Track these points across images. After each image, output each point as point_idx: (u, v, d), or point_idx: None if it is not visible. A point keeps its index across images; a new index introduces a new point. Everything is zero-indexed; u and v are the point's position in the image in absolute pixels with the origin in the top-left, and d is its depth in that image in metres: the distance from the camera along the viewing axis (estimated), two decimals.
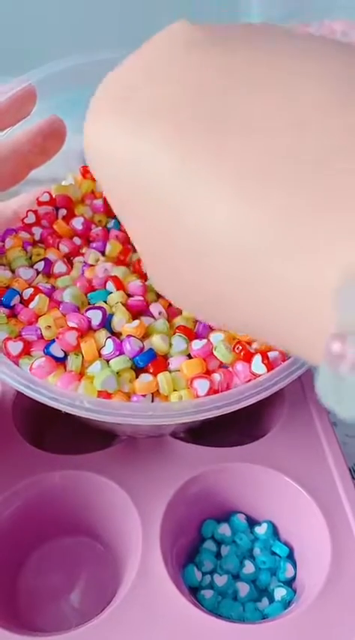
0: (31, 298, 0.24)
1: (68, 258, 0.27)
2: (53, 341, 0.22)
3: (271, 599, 0.28)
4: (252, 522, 0.30)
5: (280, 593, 0.28)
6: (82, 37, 0.59)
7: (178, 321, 0.24)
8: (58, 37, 0.65)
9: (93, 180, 0.31)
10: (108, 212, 0.30)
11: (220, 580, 0.28)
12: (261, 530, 0.30)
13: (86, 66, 0.28)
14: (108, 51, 0.28)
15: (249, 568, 0.29)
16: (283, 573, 0.28)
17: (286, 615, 0.26)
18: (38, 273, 0.26)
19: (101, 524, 0.30)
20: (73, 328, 0.22)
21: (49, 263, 0.27)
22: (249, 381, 0.21)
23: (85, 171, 0.32)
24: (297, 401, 0.32)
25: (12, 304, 0.24)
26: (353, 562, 0.26)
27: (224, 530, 0.30)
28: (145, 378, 0.21)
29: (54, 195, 0.30)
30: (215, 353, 0.22)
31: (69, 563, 0.30)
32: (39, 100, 0.27)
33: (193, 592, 0.28)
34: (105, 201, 0.30)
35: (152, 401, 0.22)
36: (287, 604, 0.27)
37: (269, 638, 0.24)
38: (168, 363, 0.23)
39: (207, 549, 0.30)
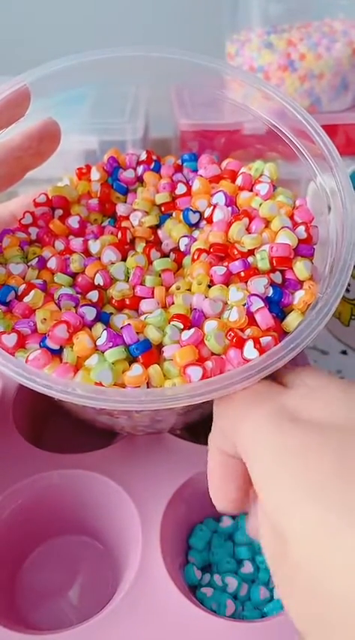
0: (26, 293, 0.24)
1: (64, 255, 0.28)
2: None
3: (271, 598, 0.28)
4: None
5: None
6: (79, 37, 0.60)
7: (174, 309, 0.24)
8: (56, 36, 0.66)
9: (89, 180, 0.32)
10: (104, 211, 0.30)
11: (219, 578, 0.28)
12: None
13: (83, 66, 0.28)
14: (105, 51, 0.28)
15: (248, 567, 0.29)
16: None
17: (285, 614, 0.25)
18: (32, 268, 0.26)
19: (101, 523, 0.30)
20: (62, 322, 0.22)
21: (43, 260, 0.27)
22: None
23: (81, 173, 0.32)
24: None
25: (8, 300, 0.24)
26: None
27: (224, 529, 0.30)
28: (136, 370, 0.21)
29: (50, 197, 0.30)
30: (206, 342, 0.22)
31: (68, 562, 0.30)
32: (36, 100, 0.27)
33: (192, 590, 0.28)
34: (100, 200, 0.30)
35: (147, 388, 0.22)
36: None
37: (268, 636, 0.24)
38: (163, 352, 0.23)
39: (207, 548, 0.30)
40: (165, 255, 0.28)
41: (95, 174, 0.32)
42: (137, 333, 0.23)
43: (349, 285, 0.41)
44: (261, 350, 0.21)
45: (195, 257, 0.26)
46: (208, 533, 0.30)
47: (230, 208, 0.27)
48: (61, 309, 0.24)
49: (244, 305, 0.23)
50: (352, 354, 0.44)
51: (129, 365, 0.22)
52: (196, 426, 0.31)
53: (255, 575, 0.29)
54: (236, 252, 0.25)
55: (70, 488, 0.30)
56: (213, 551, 0.30)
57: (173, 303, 0.24)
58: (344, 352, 0.44)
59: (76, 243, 0.28)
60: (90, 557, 0.30)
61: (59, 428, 0.36)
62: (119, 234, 0.28)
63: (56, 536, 0.31)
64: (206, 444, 0.30)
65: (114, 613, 0.25)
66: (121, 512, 0.29)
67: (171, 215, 0.30)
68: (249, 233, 0.26)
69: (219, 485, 0.23)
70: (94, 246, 0.28)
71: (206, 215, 0.28)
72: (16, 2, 0.71)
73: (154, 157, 0.32)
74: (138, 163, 0.32)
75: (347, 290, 0.42)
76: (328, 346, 0.44)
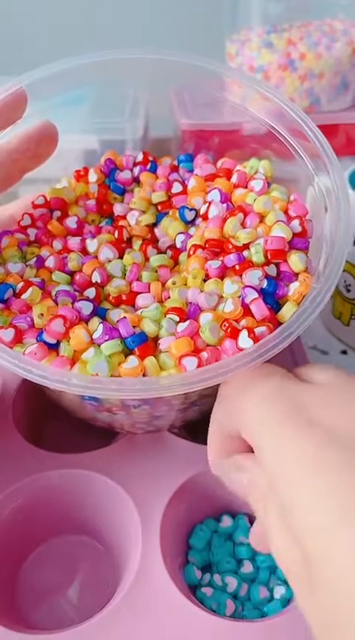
0: (23, 290, 0.24)
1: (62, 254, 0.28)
2: None
3: (270, 598, 0.28)
4: (253, 521, 0.30)
5: (279, 591, 0.27)
6: (79, 38, 0.60)
7: (170, 303, 0.24)
8: (56, 37, 0.66)
9: (86, 182, 0.32)
10: (101, 212, 0.31)
11: (219, 578, 0.28)
12: None
13: (81, 68, 0.28)
14: (103, 53, 0.28)
15: (248, 566, 0.29)
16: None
17: (285, 613, 0.25)
18: (31, 267, 0.27)
19: (100, 523, 0.30)
20: (58, 316, 0.22)
21: (41, 259, 0.27)
22: None
23: (78, 175, 0.32)
24: None
25: (5, 297, 0.24)
26: None
27: (224, 529, 0.30)
28: (132, 362, 0.22)
29: (48, 198, 0.30)
30: (201, 334, 0.22)
31: (68, 562, 0.30)
32: (33, 102, 0.27)
33: (192, 590, 0.28)
34: (97, 201, 0.30)
35: None
36: (286, 602, 0.27)
37: (268, 636, 0.24)
38: (159, 344, 0.23)
39: (207, 548, 0.30)
40: (161, 253, 0.28)
41: (92, 176, 0.32)
42: (133, 326, 0.23)
43: (349, 285, 0.41)
44: (256, 339, 0.21)
45: (191, 253, 0.26)
46: (208, 533, 0.30)
47: (225, 205, 0.27)
48: (58, 305, 0.24)
49: (239, 297, 0.23)
50: (352, 354, 0.43)
51: (125, 358, 0.22)
52: (195, 424, 0.31)
53: (254, 574, 0.29)
54: (231, 247, 0.25)
55: (70, 488, 0.30)
56: (213, 551, 0.29)
57: (169, 298, 0.24)
58: (344, 352, 0.44)
59: (74, 242, 0.28)
60: (90, 557, 0.30)
61: (59, 427, 0.36)
62: (116, 233, 0.28)
63: (56, 536, 0.31)
64: (206, 443, 0.30)
65: (114, 613, 0.25)
66: (121, 511, 0.29)
67: (168, 213, 0.30)
68: (244, 228, 0.26)
69: (215, 444, 0.23)
70: (92, 245, 0.28)
71: (202, 212, 0.28)
72: (16, 2, 0.72)
73: (150, 158, 0.32)
74: (135, 164, 0.32)
75: (348, 290, 0.42)
76: (328, 346, 0.44)
